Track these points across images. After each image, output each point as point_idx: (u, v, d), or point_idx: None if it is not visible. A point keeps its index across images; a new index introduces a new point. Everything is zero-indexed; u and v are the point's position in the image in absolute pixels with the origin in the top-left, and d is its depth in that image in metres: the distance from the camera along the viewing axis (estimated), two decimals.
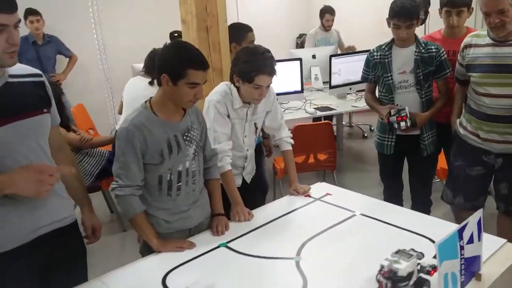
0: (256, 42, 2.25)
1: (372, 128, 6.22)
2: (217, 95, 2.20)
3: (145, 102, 1.85)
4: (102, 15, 5.33)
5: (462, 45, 2.48)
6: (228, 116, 2.22)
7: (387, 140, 2.83)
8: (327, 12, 5.87)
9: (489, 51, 2.31)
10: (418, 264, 1.41)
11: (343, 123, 5.92)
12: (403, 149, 2.84)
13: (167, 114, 1.82)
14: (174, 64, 1.72)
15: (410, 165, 2.99)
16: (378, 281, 1.42)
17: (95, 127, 4.36)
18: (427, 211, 2.87)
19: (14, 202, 1.46)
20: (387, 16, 2.67)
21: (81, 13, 5.13)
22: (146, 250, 1.87)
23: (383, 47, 2.75)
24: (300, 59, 4.39)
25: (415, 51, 2.66)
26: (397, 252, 1.42)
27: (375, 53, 2.78)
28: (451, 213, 2.85)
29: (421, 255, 1.43)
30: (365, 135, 6.11)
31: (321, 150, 3.76)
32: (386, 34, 2.83)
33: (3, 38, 1.34)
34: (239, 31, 2.88)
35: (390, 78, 2.72)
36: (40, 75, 1.61)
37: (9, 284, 1.47)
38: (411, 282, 1.38)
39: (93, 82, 5.44)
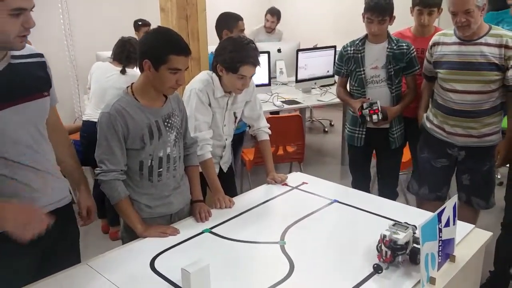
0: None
1: (333, 123, 6.39)
2: (199, 83, 2.21)
3: (127, 87, 1.85)
4: (70, 1, 5.16)
5: (430, 43, 2.61)
6: (210, 105, 2.23)
7: (357, 132, 2.94)
8: (268, 13, 5.88)
9: (456, 49, 2.45)
10: (413, 235, 1.53)
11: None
12: (372, 142, 2.96)
13: (149, 100, 1.82)
14: (156, 49, 1.73)
15: (378, 157, 3.12)
16: (379, 249, 1.53)
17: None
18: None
19: (12, 183, 1.44)
20: (347, 15, 2.77)
21: None
22: (127, 236, 1.87)
23: (357, 42, 2.85)
24: (268, 52, 4.45)
25: (387, 47, 2.77)
26: (394, 224, 1.55)
27: (349, 48, 2.87)
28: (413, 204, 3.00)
29: (414, 228, 1.54)
30: (326, 129, 6.26)
31: (290, 142, 3.83)
32: (347, 32, 2.92)
33: (19, 21, 1.34)
34: (231, 19, 2.98)
35: (362, 72, 2.82)
36: (41, 55, 1.59)
37: (6, 264, 1.46)
38: (407, 251, 1.51)
39: (58, 69, 5.23)
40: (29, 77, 1.50)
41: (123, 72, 3.28)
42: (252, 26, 6.63)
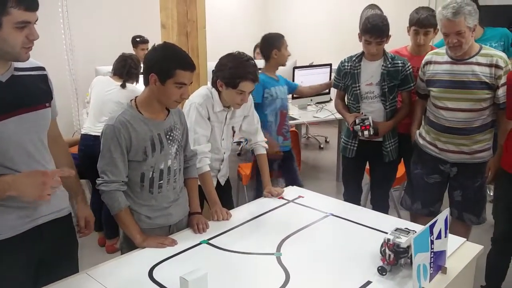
0: (216, 53, 2.40)
1: (328, 140, 6.45)
2: (199, 98, 2.26)
3: (131, 100, 1.89)
4: (71, 16, 5.24)
5: (423, 61, 2.69)
6: (209, 119, 2.28)
7: (350, 144, 3.02)
8: (259, 47, 6.01)
9: (447, 68, 2.52)
10: None
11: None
12: (364, 154, 3.03)
13: (152, 113, 1.87)
14: (163, 64, 1.78)
15: (371, 169, 3.18)
16: (383, 252, 1.61)
17: None
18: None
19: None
20: (343, 32, 2.86)
21: (50, 13, 5.01)
22: (126, 246, 1.90)
23: (354, 58, 2.93)
24: None
25: (382, 65, 2.85)
26: (396, 229, 1.64)
27: (346, 63, 2.95)
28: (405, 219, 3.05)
29: (415, 232, 1.59)
30: (321, 146, 6.32)
31: None
32: (342, 50, 3.01)
33: (23, 34, 1.40)
34: (278, 38, 3.15)
35: (358, 88, 2.90)
36: (43, 69, 1.64)
37: (5, 271, 1.48)
38: (409, 255, 1.58)
39: (58, 83, 5.26)
40: (31, 89, 1.54)
41: (123, 86, 3.34)
42: (248, 40, 6.79)
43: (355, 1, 6.41)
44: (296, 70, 4.69)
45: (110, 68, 3.51)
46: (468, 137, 2.51)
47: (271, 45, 3.11)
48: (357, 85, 2.89)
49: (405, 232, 1.62)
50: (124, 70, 3.37)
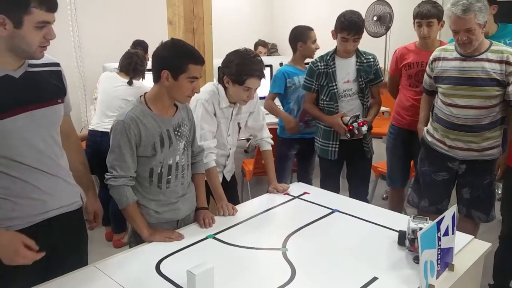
0: (221, 50, 2.41)
1: None
2: (206, 94, 2.27)
3: (140, 97, 1.91)
4: (79, 13, 5.27)
5: (431, 58, 2.66)
6: (215, 115, 2.29)
7: (331, 146, 2.96)
8: (260, 45, 6.12)
9: (457, 65, 2.49)
10: None
11: None
12: (345, 154, 3.00)
13: (161, 109, 1.88)
14: (175, 59, 1.80)
15: (351, 168, 3.15)
16: (412, 242, 1.69)
17: None
18: None
19: (24, 185, 1.51)
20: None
21: (58, 10, 5.02)
22: (134, 240, 1.91)
23: (327, 57, 2.90)
24: (270, 66, 4.55)
25: (357, 61, 2.86)
26: (414, 218, 1.74)
27: (319, 63, 2.91)
28: None
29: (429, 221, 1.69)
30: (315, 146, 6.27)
31: None
32: None
33: (41, 34, 1.43)
34: (304, 31, 3.21)
35: (335, 87, 2.87)
36: (57, 65, 1.66)
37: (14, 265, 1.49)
38: None
39: (67, 79, 5.32)
40: (44, 85, 1.57)
41: (130, 83, 3.35)
42: (254, 37, 6.83)
43: None
44: None
45: (117, 65, 3.52)
46: (477, 134, 2.48)
47: (296, 38, 3.20)
48: (334, 84, 2.87)
49: (422, 219, 1.72)
50: (130, 67, 3.38)
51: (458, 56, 2.49)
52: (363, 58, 2.86)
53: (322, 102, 2.95)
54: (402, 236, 1.78)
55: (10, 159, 1.47)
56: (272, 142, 2.57)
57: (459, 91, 2.47)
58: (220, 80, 2.28)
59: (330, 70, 2.87)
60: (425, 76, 2.74)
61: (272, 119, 4.17)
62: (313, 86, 2.95)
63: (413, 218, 1.72)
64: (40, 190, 1.56)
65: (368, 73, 2.87)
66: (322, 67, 2.89)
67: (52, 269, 1.59)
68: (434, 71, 2.61)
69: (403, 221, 2.02)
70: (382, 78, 2.93)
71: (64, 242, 1.65)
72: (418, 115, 2.89)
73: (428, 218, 1.72)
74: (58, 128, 1.64)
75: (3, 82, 1.44)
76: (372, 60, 2.89)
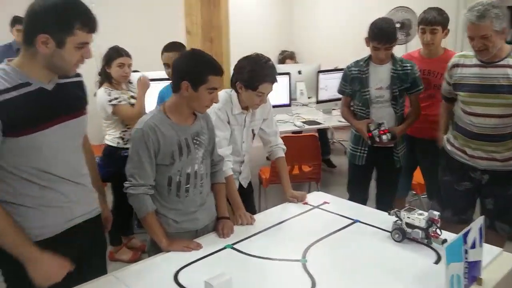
0: (240, 57, 2.41)
1: None
2: (219, 102, 2.27)
3: (159, 105, 1.91)
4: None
5: (449, 64, 2.60)
6: (228, 123, 2.31)
7: (359, 151, 2.96)
8: (287, 58, 6.28)
9: (476, 72, 2.43)
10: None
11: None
12: (373, 160, 2.97)
13: (180, 118, 1.89)
14: (195, 71, 1.81)
15: (380, 175, 3.12)
16: (431, 230, 1.87)
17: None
18: None
19: (54, 194, 1.54)
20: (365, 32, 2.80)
21: None
22: (153, 249, 1.90)
23: (361, 63, 2.89)
24: (288, 74, 4.52)
25: (392, 69, 2.81)
26: (410, 211, 1.89)
27: (353, 68, 2.91)
28: None
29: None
30: (346, 151, 6.23)
31: (306, 162, 3.84)
32: (369, 52, 2.92)
33: (79, 53, 1.47)
34: None
35: (367, 93, 2.85)
36: (79, 75, 1.69)
37: None
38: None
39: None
40: (72, 96, 1.61)
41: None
42: (274, 45, 6.86)
43: (382, 2, 6.32)
44: (320, 74, 4.64)
45: (136, 73, 3.54)
46: (500, 143, 2.41)
47: None
48: (367, 89, 2.85)
49: (411, 210, 1.91)
50: None
51: (478, 62, 2.42)
52: (398, 66, 2.81)
53: (355, 107, 2.96)
54: (402, 232, 1.88)
55: (41, 170, 1.50)
56: (285, 148, 2.56)
57: (478, 99, 2.41)
58: (233, 86, 2.30)
59: (364, 76, 2.85)
60: (444, 83, 2.69)
61: (285, 127, 4.17)
62: (347, 90, 2.96)
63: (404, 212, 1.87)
64: (67, 198, 1.59)
65: (403, 81, 2.81)
66: (356, 72, 2.88)
67: (75, 275, 1.59)
68: (453, 77, 2.55)
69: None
70: (421, 87, 2.85)
71: (86, 248, 1.68)
72: (422, 122, 2.85)
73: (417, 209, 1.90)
74: (82, 139, 1.67)
75: (38, 94, 1.47)
76: (410, 68, 2.82)
